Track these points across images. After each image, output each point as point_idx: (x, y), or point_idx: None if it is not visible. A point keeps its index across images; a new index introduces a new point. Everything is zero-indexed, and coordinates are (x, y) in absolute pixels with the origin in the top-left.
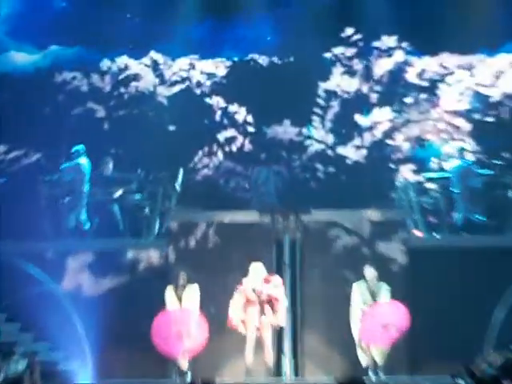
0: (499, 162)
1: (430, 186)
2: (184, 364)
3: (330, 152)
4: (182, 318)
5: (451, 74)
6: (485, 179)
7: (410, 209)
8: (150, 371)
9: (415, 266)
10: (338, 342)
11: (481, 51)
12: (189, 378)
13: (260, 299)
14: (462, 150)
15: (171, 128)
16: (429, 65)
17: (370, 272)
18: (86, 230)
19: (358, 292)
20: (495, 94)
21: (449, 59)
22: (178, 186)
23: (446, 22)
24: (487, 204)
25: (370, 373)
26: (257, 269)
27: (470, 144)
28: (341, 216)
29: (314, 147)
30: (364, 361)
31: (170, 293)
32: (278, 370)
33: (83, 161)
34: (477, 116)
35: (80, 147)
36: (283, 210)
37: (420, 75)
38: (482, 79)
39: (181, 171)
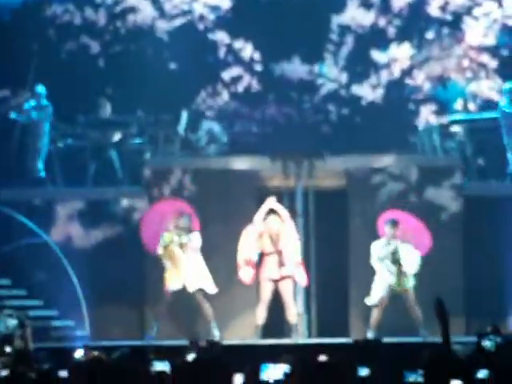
0: None
1: (455, 129)
2: None
3: (343, 92)
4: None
5: (478, 5)
6: None
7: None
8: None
9: (468, 215)
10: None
11: None
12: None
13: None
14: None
15: (172, 66)
16: None
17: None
18: (43, 177)
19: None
20: None
21: None
22: (181, 130)
23: None
24: None
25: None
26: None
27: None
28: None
29: (327, 87)
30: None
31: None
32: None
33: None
34: (505, 52)
35: (42, 88)
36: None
37: (443, 8)
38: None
39: (184, 113)
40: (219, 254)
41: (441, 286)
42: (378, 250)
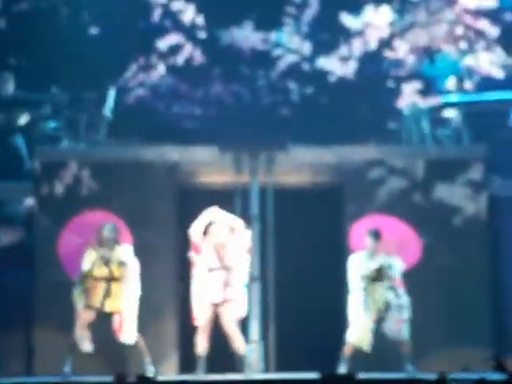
0: None
1: (449, 113)
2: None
3: (306, 66)
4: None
5: None
6: None
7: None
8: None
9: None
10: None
11: None
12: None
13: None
14: None
15: (93, 31)
16: None
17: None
18: None
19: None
20: None
21: None
22: (108, 112)
23: None
24: None
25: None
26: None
27: (498, 55)
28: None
29: (286, 59)
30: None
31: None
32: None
33: None
34: (509, 17)
35: None
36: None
37: None
38: None
39: (111, 91)
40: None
41: (458, 310)
42: (358, 267)
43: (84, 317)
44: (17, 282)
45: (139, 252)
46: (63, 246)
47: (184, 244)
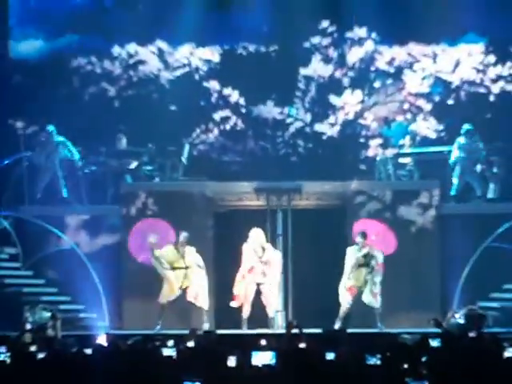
0: None
1: (404, 160)
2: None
3: (308, 129)
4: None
5: (417, 61)
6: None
7: (388, 179)
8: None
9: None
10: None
11: (443, 41)
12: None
13: (261, 261)
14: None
15: (172, 108)
16: (397, 53)
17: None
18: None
19: (351, 256)
20: (454, 80)
21: (415, 48)
22: (184, 159)
23: (412, 14)
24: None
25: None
26: (257, 234)
27: (431, 123)
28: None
29: (295, 125)
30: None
31: (171, 250)
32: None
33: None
34: (437, 98)
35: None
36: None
37: (389, 62)
38: (443, 66)
39: (186, 146)
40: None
41: (417, 286)
42: (351, 256)
43: (168, 291)
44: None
45: None
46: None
47: (219, 245)
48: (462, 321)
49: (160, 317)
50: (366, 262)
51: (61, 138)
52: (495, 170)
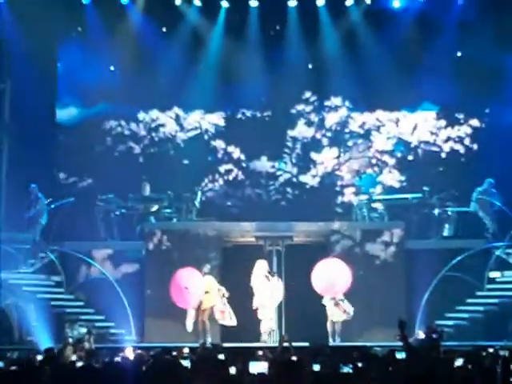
0: (426, 188)
1: (376, 205)
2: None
3: (294, 180)
4: (186, 276)
5: (383, 125)
6: (416, 201)
7: (363, 221)
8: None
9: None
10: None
11: (404, 109)
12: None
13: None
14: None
15: (186, 162)
16: (367, 118)
17: None
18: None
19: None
20: (413, 140)
21: (382, 114)
22: (197, 204)
23: (380, 87)
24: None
25: (331, 339)
26: (262, 265)
27: (395, 174)
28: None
29: (284, 176)
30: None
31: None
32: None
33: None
34: (399, 155)
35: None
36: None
37: (360, 125)
38: (404, 129)
39: (199, 193)
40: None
41: (385, 307)
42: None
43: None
44: (136, 291)
45: None
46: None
47: (225, 275)
48: (422, 336)
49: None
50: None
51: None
52: (449, 212)
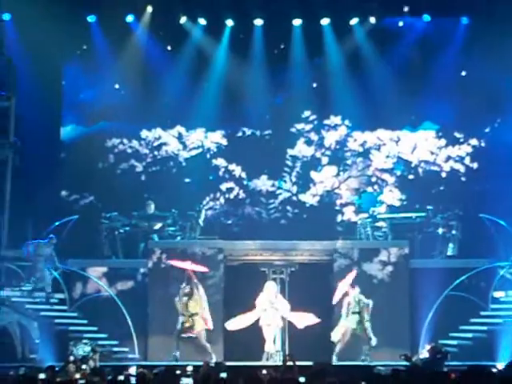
0: (430, 207)
1: (380, 224)
2: None
3: (294, 198)
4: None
5: (384, 144)
6: (420, 220)
7: (367, 239)
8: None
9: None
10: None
11: (406, 128)
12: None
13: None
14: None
15: (187, 180)
16: (368, 137)
17: None
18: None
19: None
20: (414, 159)
21: (383, 133)
22: (201, 222)
23: (382, 105)
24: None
25: (335, 358)
26: (271, 286)
27: (394, 192)
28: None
29: (283, 195)
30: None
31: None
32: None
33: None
34: (398, 173)
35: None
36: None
37: (360, 144)
38: (404, 148)
39: (203, 211)
40: None
41: (390, 326)
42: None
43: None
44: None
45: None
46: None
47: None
48: (426, 355)
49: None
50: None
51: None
52: (454, 232)
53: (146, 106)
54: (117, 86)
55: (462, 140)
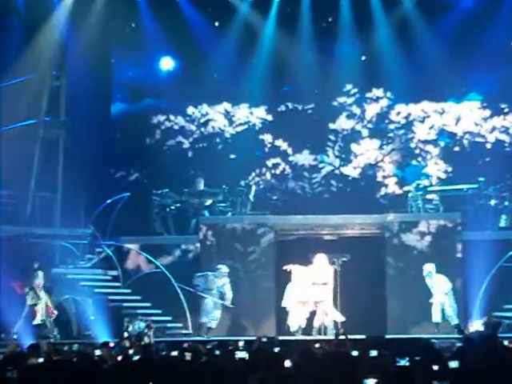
0: (481, 179)
1: (431, 196)
2: None
3: (337, 171)
4: None
5: (428, 117)
6: (472, 191)
7: (418, 212)
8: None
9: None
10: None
11: (451, 99)
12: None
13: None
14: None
15: (232, 156)
16: (412, 109)
17: None
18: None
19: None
20: (458, 131)
21: (427, 105)
22: (251, 198)
23: (428, 77)
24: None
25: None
26: (321, 258)
27: (440, 165)
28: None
29: (326, 169)
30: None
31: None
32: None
33: None
34: (442, 143)
35: None
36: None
37: (402, 116)
38: (449, 120)
39: (253, 187)
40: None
41: None
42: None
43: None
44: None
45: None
46: None
47: (278, 268)
48: (481, 328)
49: None
50: None
51: None
52: (506, 203)
53: (194, 83)
54: (164, 64)
55: (506, 110)
